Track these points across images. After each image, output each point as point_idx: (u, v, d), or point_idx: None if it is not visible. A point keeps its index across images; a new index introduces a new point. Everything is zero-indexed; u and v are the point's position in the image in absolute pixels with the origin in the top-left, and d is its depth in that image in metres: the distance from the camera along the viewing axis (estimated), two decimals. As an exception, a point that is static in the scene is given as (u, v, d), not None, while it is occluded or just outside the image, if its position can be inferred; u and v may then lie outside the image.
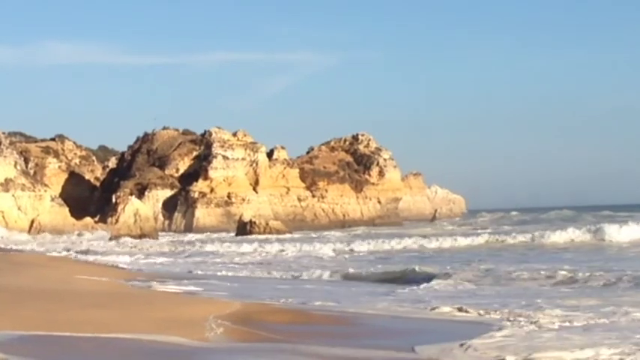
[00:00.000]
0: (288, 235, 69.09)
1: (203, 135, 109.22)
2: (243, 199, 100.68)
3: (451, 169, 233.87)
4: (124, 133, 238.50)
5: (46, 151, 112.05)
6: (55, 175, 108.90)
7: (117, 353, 9.37)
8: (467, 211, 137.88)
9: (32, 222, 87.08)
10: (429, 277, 22.19)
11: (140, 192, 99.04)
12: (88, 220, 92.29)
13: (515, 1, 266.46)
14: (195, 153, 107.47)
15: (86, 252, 45.06)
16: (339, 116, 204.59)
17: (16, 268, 23.86)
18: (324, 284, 22.68)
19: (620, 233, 41.38)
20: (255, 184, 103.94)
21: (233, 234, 75.61)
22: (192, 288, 19.52)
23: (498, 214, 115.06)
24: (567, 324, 12.75)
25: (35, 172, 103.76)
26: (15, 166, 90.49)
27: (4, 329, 10.24)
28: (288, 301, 16.41)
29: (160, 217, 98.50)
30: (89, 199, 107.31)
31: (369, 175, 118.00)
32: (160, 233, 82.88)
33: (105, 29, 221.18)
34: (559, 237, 42.39)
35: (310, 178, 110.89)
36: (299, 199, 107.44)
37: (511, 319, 13.33)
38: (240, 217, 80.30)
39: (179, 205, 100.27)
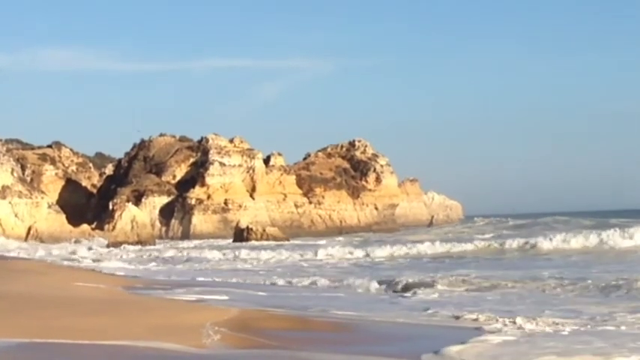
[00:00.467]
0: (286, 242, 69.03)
1: (200, 141, 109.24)
2: (240, 206, 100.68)
3: (448, 175, 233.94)
4: (120, 139, 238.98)
5: (43, 158, 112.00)
6: (52, 182, 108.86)
7: (114, 360, 9.36)
8: (464, 216, 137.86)
9: (29, 229, 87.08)
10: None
11: (137, 199, 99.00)
12: (84, 227, 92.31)
13: (512, 8, 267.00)
14: (192, 159, 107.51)
15: (83, 259, 45.00)
16: (335, 122, 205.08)
17: (14, 275, 23.84)
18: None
19: (617, 238, 41.22)
20: (252, 191, 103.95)
21: (230, 240, 75.54)
22: (216, 297, 18.84)
23: (493, 220, 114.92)
24: (553, 330, 12.77)
25: (32, 179, 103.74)
26: (12, 173, 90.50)
27: (2, 337, 10.22)
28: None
29: (157, 224, 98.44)
30: (86, 206, 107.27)
31: (366, 181, 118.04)
32: (156, 240, 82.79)
33: (102, 36, 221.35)
34: (551, 243, 42.12)
35: (307, 184, 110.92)
36: (296, 206, 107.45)
37: (499, 325, 13.31)
38: (237, 224, 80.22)
39: (176, 211, 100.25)
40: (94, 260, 44.19)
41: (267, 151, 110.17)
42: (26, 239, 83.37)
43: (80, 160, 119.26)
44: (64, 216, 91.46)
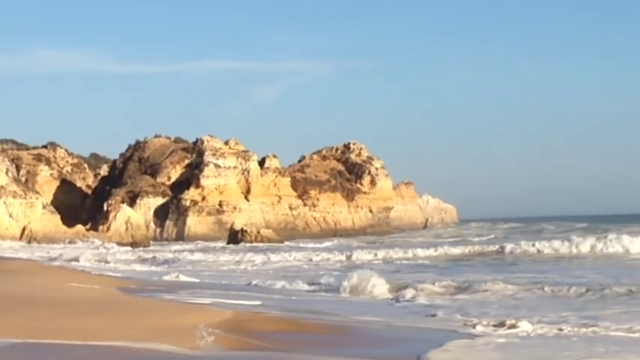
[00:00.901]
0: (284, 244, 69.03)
1: (195, 143, 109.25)
2: (235, 208, 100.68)
3: (443, 179, 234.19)
4: (115, 140, 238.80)
5: (38, 158, 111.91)
6: (47, 183, 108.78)
7: (108, 361, 9.32)
8: (458, 220, 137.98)
9: (23, 229, 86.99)
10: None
11: (132, 200, 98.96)
12: (79, 227, 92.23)
13: (509, 9, 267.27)
14: (187, 161, 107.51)
15: (77, 259, 44.91)
16: (330, 125, 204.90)
17: (7, 275, 23.76)
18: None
19: (614, 243, 41.15)
20: (246, 193, 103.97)
21: (224, 242, 75.52)
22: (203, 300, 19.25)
23: (487, 224, 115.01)
24: (540, 333, 12.78)
25: (27, 180, 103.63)
26: (6, 173, 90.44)
27: (-5, 337, 10.18)
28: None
29: (152, 225, 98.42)
30: (81, 207, 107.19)
31: (361, 184, 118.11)
32: (151, 241, 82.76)
33: (97, 37, 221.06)
34: (543, 247, 42.08)
35: (302, 186, 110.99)
36: (290, 208, 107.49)
37: (487, 329, 13.32)
38: (232, 226, 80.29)
39: (171, 213, 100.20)
40: (88, 261, 44.11)
41: (262, 153, 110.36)
42: (20, 239, 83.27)
43: (75, 160, 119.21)
44: (58, 216, 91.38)
